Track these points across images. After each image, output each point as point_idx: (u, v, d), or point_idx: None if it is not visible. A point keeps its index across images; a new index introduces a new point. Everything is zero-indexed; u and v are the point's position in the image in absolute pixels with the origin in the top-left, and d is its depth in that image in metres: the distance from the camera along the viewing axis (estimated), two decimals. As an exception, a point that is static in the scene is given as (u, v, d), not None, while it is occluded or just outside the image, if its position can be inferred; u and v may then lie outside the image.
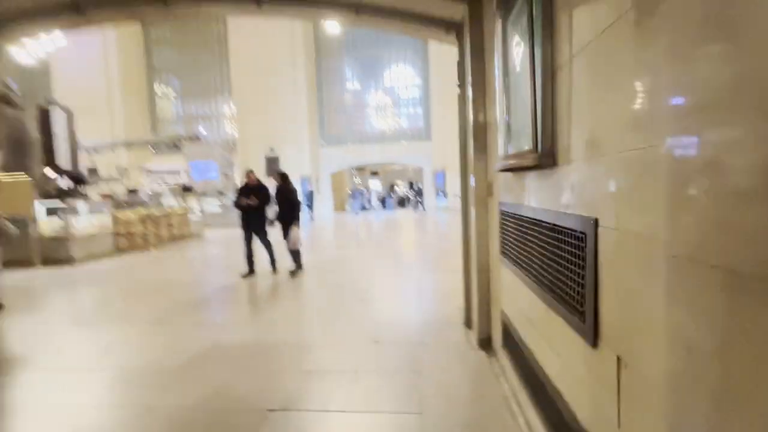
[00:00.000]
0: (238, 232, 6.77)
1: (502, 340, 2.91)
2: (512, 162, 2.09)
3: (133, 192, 16.49)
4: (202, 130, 19.96)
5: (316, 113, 25.96)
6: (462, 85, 3.74)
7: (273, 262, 6.73)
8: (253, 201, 6.46)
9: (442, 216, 18.76)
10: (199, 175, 17.29)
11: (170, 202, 13.61)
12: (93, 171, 17.64)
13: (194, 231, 12.14)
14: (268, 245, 6.69)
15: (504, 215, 2.66)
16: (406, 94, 26.56)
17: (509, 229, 2.51)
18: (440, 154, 23.73)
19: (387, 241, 11.43)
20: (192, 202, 16.29)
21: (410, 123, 26.65)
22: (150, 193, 17.58)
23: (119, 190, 17.28)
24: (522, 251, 2.21)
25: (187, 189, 15.07)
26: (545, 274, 1.80)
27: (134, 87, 25.53)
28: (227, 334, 4.16)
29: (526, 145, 1.82)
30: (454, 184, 22.80)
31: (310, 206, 18.01)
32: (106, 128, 23.50)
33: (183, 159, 17.73)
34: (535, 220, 1.94)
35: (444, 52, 24.58)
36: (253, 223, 6.55)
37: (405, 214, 21.41)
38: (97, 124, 23.62)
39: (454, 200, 21.39)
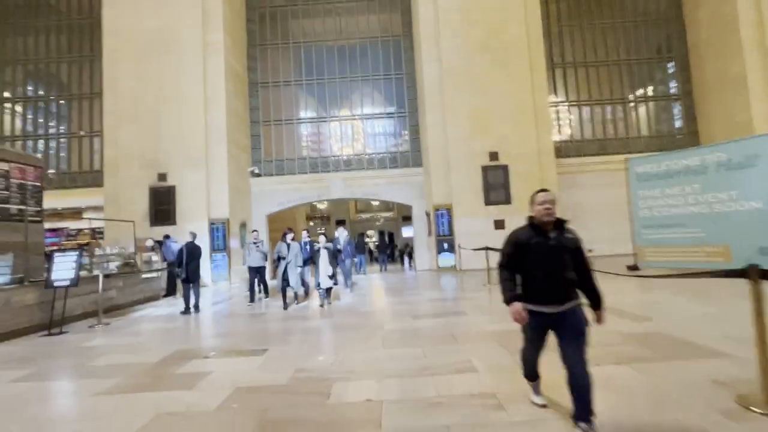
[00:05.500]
0: None
1: None
2: None
3: None
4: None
5: (246, 127, 17.02)
6: None
7: None
8: None
9: (455, 283, 9.64)
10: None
11: None
12: None
13: None
14: None
15: None
16: (382, 105, 18.39)
17: None
18: (443, 186, 15.12)
19: None
20: None
21: (389, 143, 18.27)
22: None
23: None
24: None
25: None
26: None
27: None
28: None
29: None
30: (469, 231, 13.88)
31: (189, 281, 8.14)
32: None
33: None
34: None
35: (446, 31, 14.32)
36: None
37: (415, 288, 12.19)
38: None
39: (470, 256, 12.48)
